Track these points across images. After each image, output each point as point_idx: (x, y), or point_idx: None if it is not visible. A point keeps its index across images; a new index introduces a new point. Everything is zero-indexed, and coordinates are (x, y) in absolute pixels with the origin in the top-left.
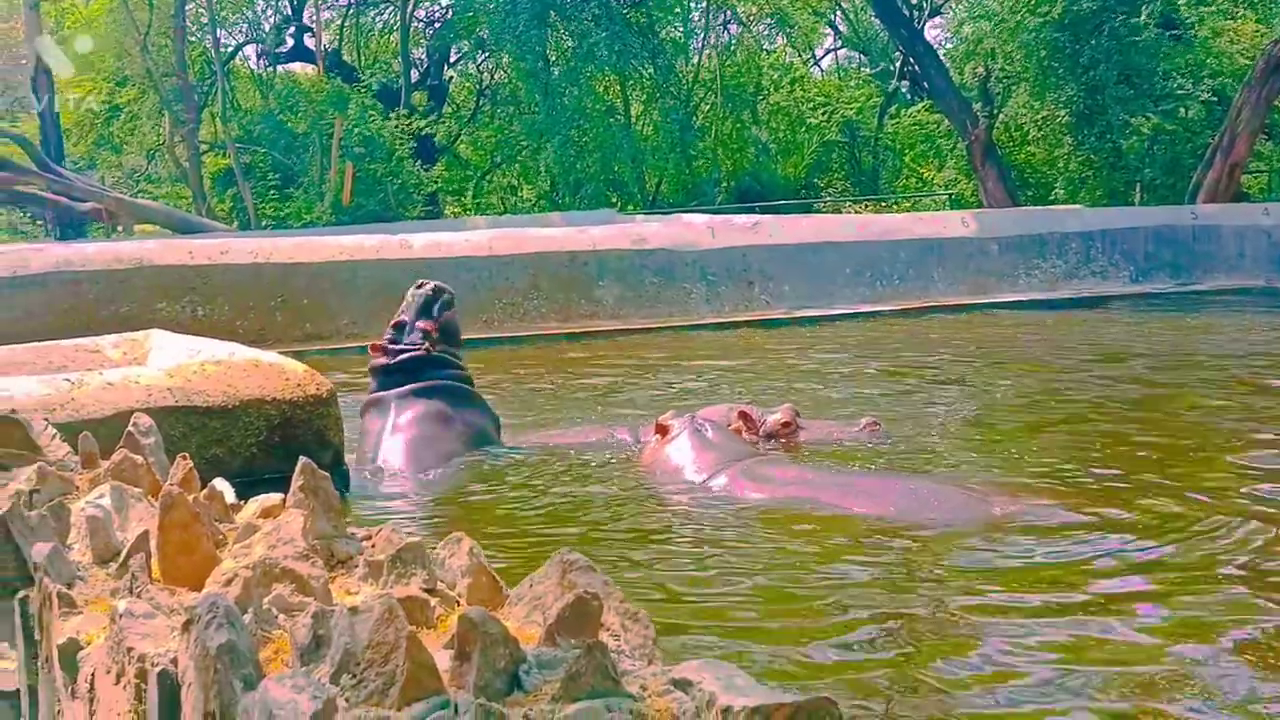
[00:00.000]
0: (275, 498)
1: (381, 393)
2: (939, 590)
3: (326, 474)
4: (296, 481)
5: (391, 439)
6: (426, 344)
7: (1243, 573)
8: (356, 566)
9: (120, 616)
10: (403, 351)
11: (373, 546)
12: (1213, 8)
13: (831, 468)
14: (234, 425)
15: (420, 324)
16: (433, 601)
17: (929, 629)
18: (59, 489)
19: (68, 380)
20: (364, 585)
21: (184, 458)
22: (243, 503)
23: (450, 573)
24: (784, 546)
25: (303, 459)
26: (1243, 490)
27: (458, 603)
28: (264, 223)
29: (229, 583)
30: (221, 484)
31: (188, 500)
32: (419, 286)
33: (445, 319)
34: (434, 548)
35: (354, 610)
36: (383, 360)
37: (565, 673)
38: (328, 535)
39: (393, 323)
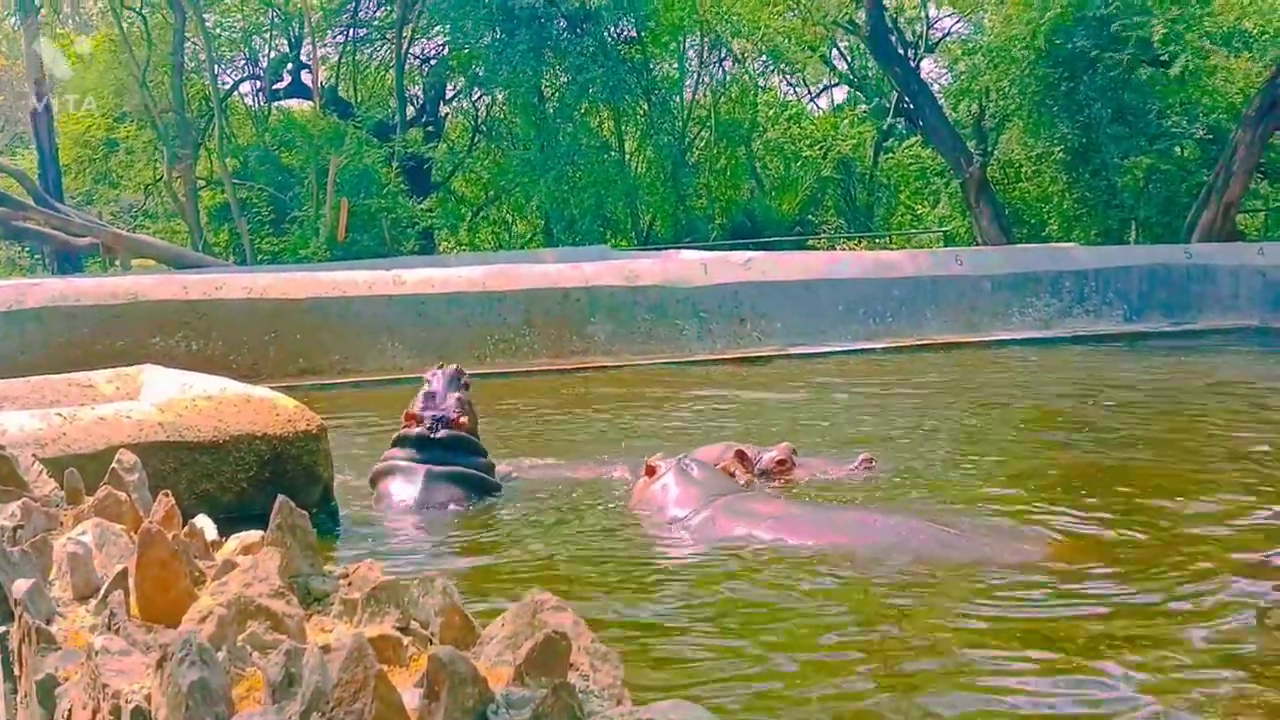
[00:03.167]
0: (256, 535)
1: (413, 464)
2: (917, 628)
3: (304, 512)
4: (274, 520)
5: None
6: (464, 417)
7: (1230, 621)
8: (332, 604)
9: (96, 653)
10: (439, 422)
11: (349, 584)
12: (1207, 44)
13: (816, 503)
14: (224, 460)
15: (454, 395)
16: (405, 640)
17: (905, 666)
18: (43, 525)
19: (60, 415)
20: (339, 623)
21: (165, 495)
22: (224, 539)
23: (424, 611)
24: (762, 582)
25: (281, 497)
26: (1234, 536)
27: (430, 641)
28: (259, 258)
29: (204, 620)
30: (203, 521)
31: (166, 537)
32: (439, 367)
33: (468, 397)
34: (409, 586)
35: (325, 648)
36: (418, 430)
37: (531, 713)
38: (304, 573)
39: (422, 393)
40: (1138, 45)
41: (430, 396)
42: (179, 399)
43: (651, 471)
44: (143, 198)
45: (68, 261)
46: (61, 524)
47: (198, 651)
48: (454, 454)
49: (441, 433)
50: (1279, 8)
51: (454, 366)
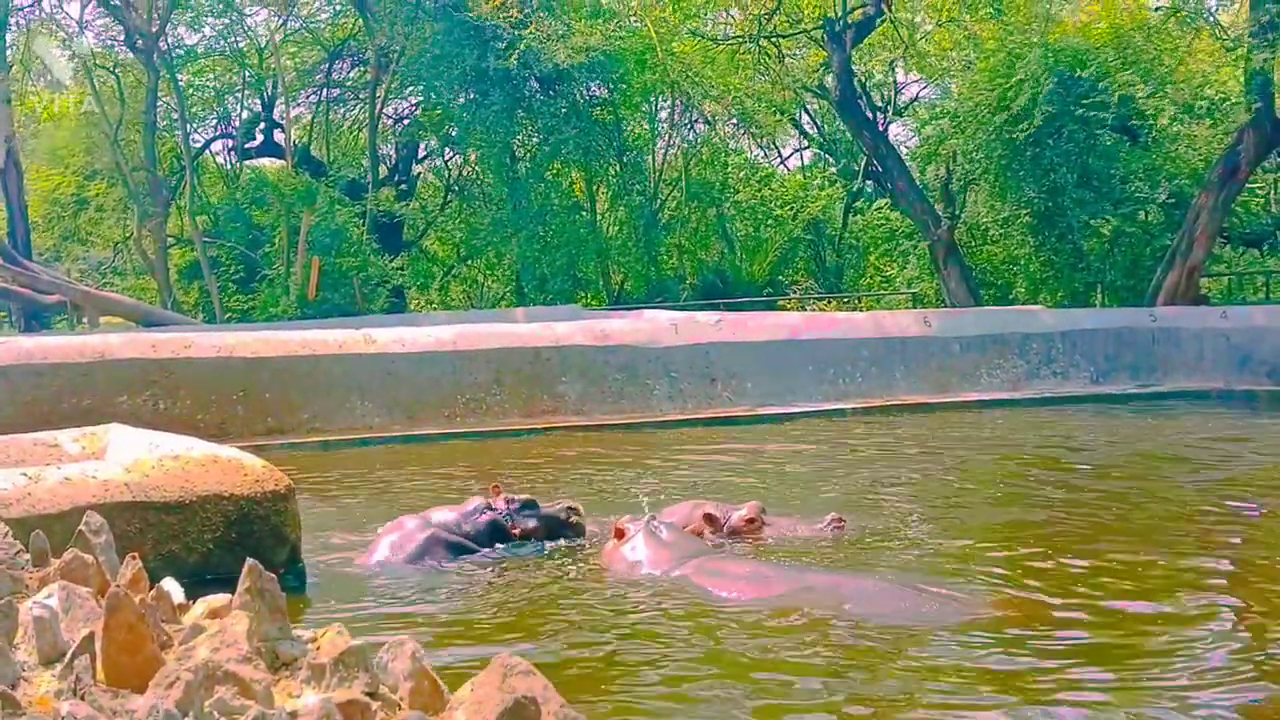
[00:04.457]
0: (223, 598)
1: (426, 528)
2: (885, 690)
3: (273, 575)
4: (243, 583)
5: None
6: (520, 530)
7: (1196, 677)
8: (300, 669)
9: (62, 718)
10: (510, 511)
11: (317, 648)
12: (1170, 112)
13: (787, 564)
14: (190, 521)
15: (538, 522)
16: (374, 705)
17: None
18: (9, 588)
19: (25, 475)
20: (306, 688)
21: (133, 557)
22: (191, 602)
23: (393, 676)
24: (735, 644)
25: (250, 560)
26: (1198, 599)
27: (399, 706)
28: (229, 316)
29: (171, 685)
30: (170, 584)
31: (133, 601)
32: (569, 507)
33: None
34: (378, 650)
35: (293, 714)
36: (487, 499)
37: None
38: (272, 637)
39: (528, 498)
40: (1101, 109)
41: (532, 503)
42: (145, 459)
43: (620, 534)
44: (112, 255)
45: (35, 319)
46: (27, 586)
47: (164, 719)
48: (486, 536)
49: (490, 515)
50: (1245, 74)
51: (579, 523)
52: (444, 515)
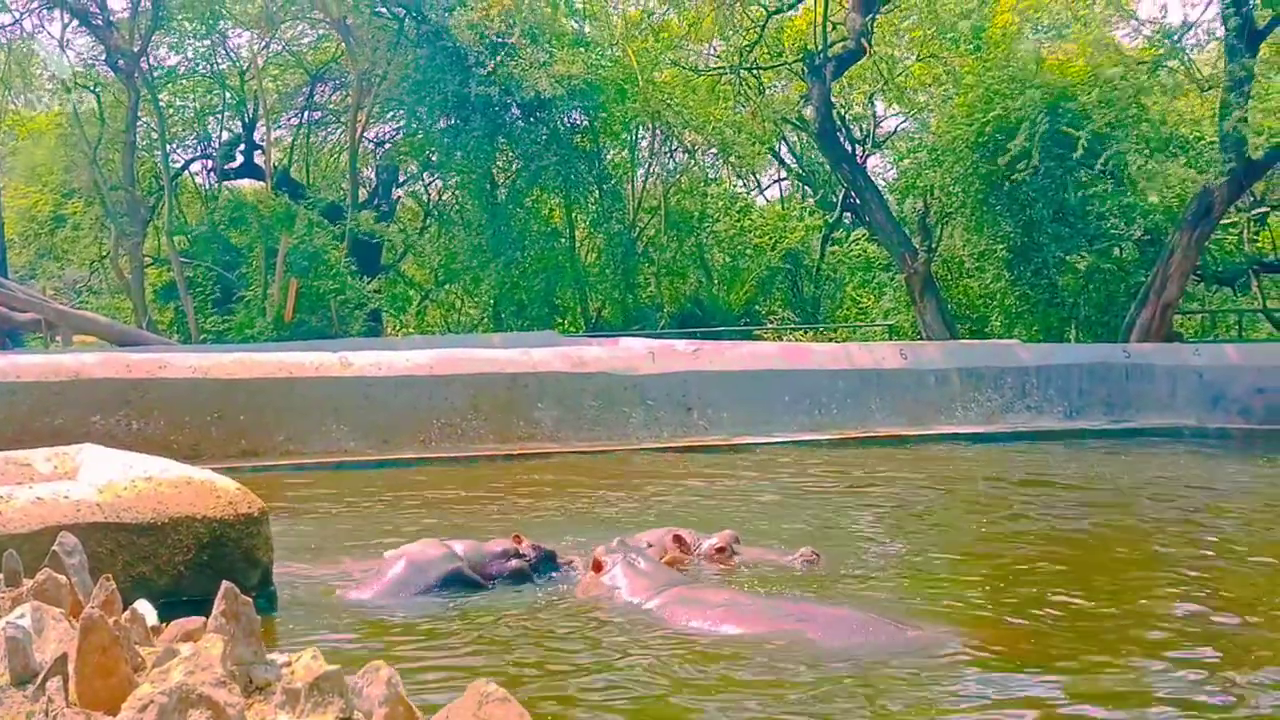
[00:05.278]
0: (197, 621)
1: (452, 562)
2: (862, 714)
3: (249, 599)
4: (218, 606)
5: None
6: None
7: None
8: (275, 693)
9: None
10: (533, 558)
11: (292, 673)
12: (1146, 150)
13: (762, 595)
14: (162, 543)
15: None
16: None
17: None
18: None
19: None
20: (281, 713)
21: (107, 579)
22: (164, 625)
23: (368, 702)
24: (710, 675)
25: (226, 583)
26: (1172, 639)
27: None
28: (204, 337)
29: (145, 708)
30: (144, 606)
31: (107, 623)
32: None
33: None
34: (353, 675)
35: None
36: (511, 546)
37: None
38: (247, 661)
39: (550, 550)
40: (1085, 158)
41: (552, 556)
42: (117, 480)
43: (599, 566)
44: (88, 274)
45: (9, 337)
46: None
47: None
48: (506, 581)
49: (518, 563)
50: (1219, 128)
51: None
52: (469, 551)
